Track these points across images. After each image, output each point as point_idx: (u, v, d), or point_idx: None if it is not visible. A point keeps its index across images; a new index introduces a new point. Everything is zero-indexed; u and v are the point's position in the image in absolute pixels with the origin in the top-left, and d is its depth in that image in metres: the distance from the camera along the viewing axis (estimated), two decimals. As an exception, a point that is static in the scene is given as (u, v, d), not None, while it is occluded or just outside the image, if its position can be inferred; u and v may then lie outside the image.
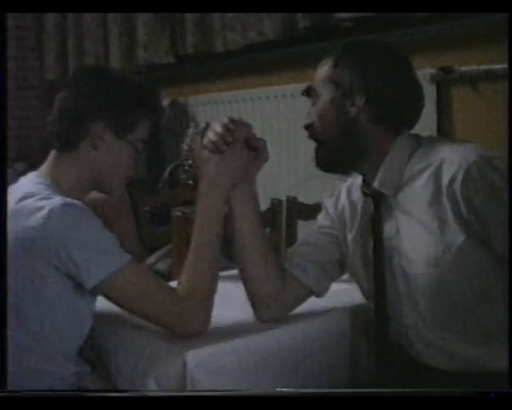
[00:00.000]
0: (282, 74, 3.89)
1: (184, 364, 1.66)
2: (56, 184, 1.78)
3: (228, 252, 2.07)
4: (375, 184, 1.77)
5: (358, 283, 1.90)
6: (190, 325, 1.73)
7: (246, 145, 1.83)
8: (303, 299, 1.92)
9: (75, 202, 1.72)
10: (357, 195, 1.88)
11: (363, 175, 1.83)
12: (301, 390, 1.57)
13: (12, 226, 1.66)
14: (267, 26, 3.75)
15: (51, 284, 1.69)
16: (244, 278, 1.89)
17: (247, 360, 1.74)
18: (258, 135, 1.88)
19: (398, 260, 1.75)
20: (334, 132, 1.77)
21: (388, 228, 1.76)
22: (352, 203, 1.90)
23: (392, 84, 1.77)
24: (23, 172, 1.87)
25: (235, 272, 2.01)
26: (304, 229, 3.17)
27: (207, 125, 1.84)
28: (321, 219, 1.98)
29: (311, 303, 1.94)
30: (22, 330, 1.70)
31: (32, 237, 1.66)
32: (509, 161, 1.61)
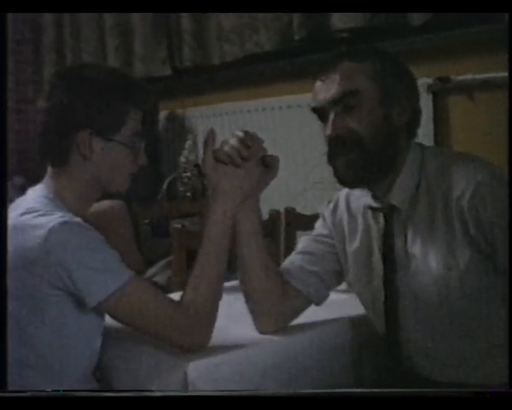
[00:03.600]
0: (279, 86, 3.90)
1: (185, 375, 1.66)
2: (59, 198, 1.75)
3: (227, 263, 2.07)
4: (391, 198, 1.75)
5: (358, 294, 1.89)
6: (193, 339, 1.72)
7: (261, 162, 1.82)
8: (302, 309, 1.92)
9: (75, 219, 1.68)
10: (357, 205, 1.87)
11: (373, 189, 1.79)
12: (301, 391, 1.56)
13: (12, 243, 1.63)
14: (264, 37, 3.76)
15: (55, 303, 1.67)
16: (245, 290, 1.89)
17: (247, 370, 1.74)
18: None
19: (405, 275, 1.74)
20: (376, 139, 1.70)
21: (397, 243, 1.75)
22: (350, 214, 1.88)
23: (414, 91, 1.77)
24: (21, 187, 1.86)
25: (234, 283, 2.01)
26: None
27: (212, 133, 1.81)
28: (318, 227, 1.97)
29: (311, 314, 1.94)
30: (27, 350, 1.69)
31: (32, 257, 1.63)
32: (509, 164, 1.60)
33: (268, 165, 1.83)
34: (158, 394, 1.56)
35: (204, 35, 4.21)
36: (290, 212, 3.02)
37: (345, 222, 1.90)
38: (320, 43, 3.48)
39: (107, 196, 2.83)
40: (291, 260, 1.96)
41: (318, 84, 1.76)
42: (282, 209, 3.03)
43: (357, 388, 1.91)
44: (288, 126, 3.79)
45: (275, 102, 3.92)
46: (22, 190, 1.84)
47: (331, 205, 1.95)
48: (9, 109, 5.46)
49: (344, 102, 1.70)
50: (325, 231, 1.94)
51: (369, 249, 1.83)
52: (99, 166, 1.76)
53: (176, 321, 1.70)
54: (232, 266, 1.93)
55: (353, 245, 1.86)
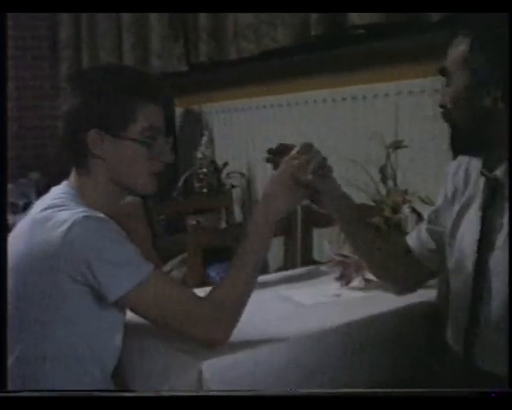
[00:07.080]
0: (296, 82, 3.89)
1: (200, 374, 1.65)
2: (82, 196, 1.75)
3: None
4: (498, 172, 1.72)
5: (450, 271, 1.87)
6: (214, 333, 1.71)
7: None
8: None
9: (97, 214, 1.68)
10: (475, 175, 1.84)
11: (485, 160, 1.77)
12: (303, 390, 1.56)
13: (34, 237, 1.66)
14: (280, 33, 3.75)
15: (76, 297, 1.67)
16: None
17: (262, 370, 1.73)
18: (274, 142, 1.88)
19: (486, 255, 1.72)
20: (467, 118, 1.72)
21: (496, 220, 1.73)
22: (466, 183, 1.87)
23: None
24: (37, 182, 1.86)
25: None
26: (318, 237, 3.17)
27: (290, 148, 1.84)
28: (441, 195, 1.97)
29: (328, 313, 1.94)
30: (47, 345, 1.69)
31: (53, 251, 1.63)
32: (509, 161, 1.59)
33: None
34: (169, 394, 1.56)
35: (220, 31, 4.21)
36: (307, 209, 3.01)
37: (459, 190, 1.89)
38: (336, 40, 3.47)
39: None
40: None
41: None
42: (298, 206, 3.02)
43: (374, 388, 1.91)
44: (304, 122, 3.78)
45: (291, 97, 3.91)
46: (37, 186, 1.84)
47: (453, 167, 1.93)
48: (26, 106, 5.50)
49: (441, 76, 1.77)
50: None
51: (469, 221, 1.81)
52: (115, 165, 1.76)
53: (196, 314, 1.70)
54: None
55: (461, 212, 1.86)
